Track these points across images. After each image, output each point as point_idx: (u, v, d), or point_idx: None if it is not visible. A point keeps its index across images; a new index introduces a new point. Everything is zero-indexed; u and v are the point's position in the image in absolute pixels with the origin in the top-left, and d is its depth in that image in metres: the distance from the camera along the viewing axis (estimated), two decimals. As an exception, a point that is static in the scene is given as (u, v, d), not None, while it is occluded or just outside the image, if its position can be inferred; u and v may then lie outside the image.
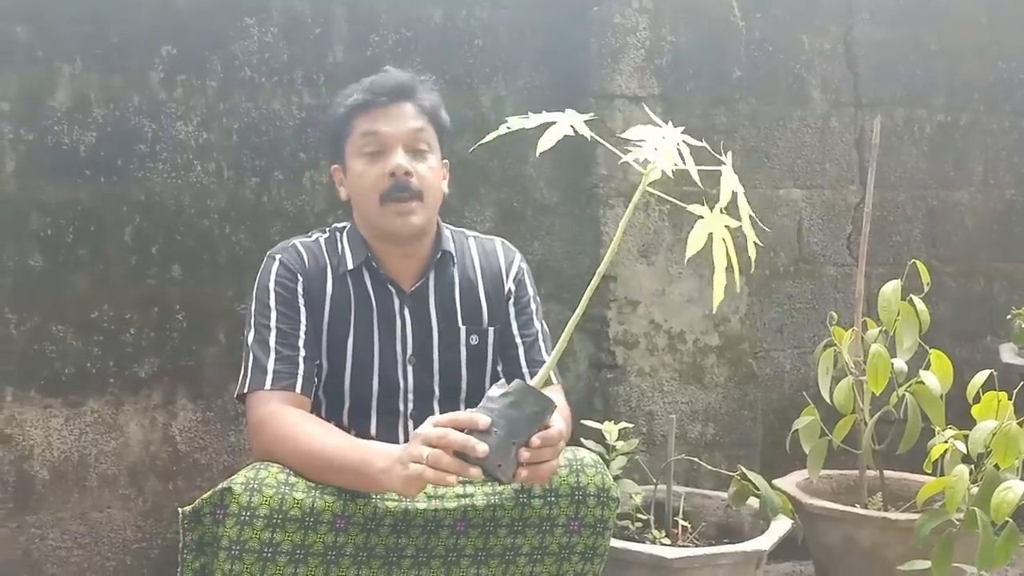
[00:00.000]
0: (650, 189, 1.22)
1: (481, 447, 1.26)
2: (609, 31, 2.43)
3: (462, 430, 1.28)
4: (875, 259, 2.77)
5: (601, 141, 1.23)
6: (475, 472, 1.27)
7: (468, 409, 1.35)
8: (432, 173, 1.61)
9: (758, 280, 2.75)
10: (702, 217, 1.17)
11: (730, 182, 1.17)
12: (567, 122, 1.20)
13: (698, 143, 1.21)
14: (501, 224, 2.43)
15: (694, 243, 1.16)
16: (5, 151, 2.06)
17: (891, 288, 2.12)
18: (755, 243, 1.21)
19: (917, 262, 2.17)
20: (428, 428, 1.31)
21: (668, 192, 1.46)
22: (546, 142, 1.18)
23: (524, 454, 1.29)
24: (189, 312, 2.19)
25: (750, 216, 1.20)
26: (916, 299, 2.11)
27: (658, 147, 1.17)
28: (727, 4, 2.55)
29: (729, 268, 1.17)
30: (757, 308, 2.74)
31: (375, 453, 1.37)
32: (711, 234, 1.17)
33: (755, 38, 2.73)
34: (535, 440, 1.30)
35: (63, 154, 2.10)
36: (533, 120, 1.20)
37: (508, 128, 1.21)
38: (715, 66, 2.53)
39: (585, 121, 1.21)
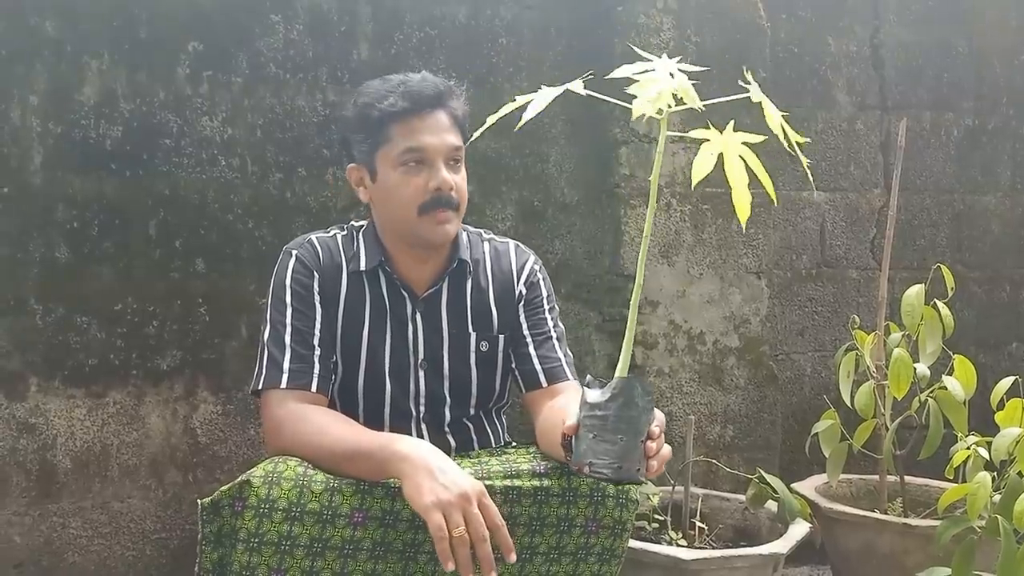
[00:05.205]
0: (671, 134, 1.16)
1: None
2: (633, 31, 2.42)
3: None
4: (899, 263, 2.74)
5: (606, 98, 1.18)
6: None
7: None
8: (464, 184, 1.61)
9: (779, 282, 2.74)
10: (707, 140, 1.08)
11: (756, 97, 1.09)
12: (558, 90, 1.14)
13: (701, 68, 1.14)
14: (522, 223, 2.43)
15: (699, 168, 1.06)
16: (33, 144, 2.09)
17: (915, 292, 2.10)
18: (797, 143, 1.09)
19: (942, 266, 2.15)
20: (475, 509, 1.29)
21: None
22: (536, 107, 1.13)
23: (651, 447, 1.24)
24: (211, 306, 2.21)
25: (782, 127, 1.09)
26: (940, 304, 2.09)
27: (660, 79, 1.09)
28: (752, 5, 2.53)
29: (759, 184, 1.07)
30: (778, 310, 2.72)
31: (397, 437, 1.41)
32: (721, 154, 1.07)
33: (780, 39, 2.71)
34: (655, 430, 1.25)
35: (90, 148, 2.12)
36: (542, 96, 1.15)
37: (517, 106, 1.17)
38: (740, 67, 2.51)
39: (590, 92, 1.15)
